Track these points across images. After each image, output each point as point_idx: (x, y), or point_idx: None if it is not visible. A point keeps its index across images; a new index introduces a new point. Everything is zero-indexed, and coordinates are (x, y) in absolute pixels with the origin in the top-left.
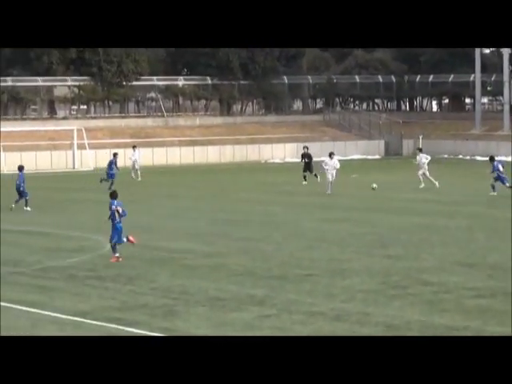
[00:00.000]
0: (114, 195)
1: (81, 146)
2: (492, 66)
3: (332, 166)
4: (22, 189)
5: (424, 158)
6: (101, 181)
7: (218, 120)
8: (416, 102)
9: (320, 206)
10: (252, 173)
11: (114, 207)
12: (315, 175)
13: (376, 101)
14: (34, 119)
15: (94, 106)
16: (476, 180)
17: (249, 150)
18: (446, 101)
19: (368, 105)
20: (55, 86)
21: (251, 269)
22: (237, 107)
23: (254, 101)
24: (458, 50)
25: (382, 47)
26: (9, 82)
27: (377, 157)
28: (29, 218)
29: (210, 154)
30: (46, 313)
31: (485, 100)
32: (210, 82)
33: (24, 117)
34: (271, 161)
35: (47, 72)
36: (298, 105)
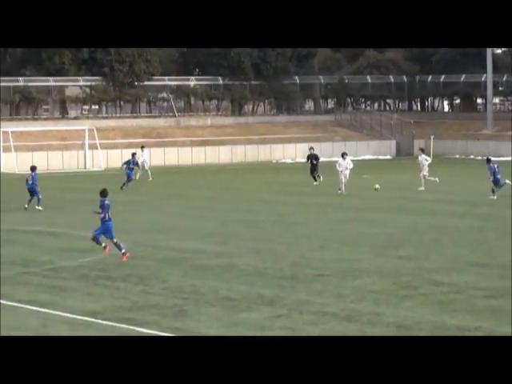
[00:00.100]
0: (104, 193)
1: (92, 146)
2: (504, 66)
3: (345, 166)
4: (34, 189)
5: (424, 160)
6: (121, 187)
7: (230, 120)
8: (427, 102)
9: (331, 206)
10: (263, 173)
11: (107, 202)
12: (317, 176)
13: (387, 101)
14: (45, 119)
15: (106, 106)
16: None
17: (260, 150)
18: (458, 101)
19: (379, 105)
20: (67, 86)
21: (262, 269)
22: (248, 107)
23: (266, 101)
24: (470, 50)
25: (393, 47)
26: (21, 82)
27: (388, 157)
28: (40, 218)
29: (222, 154)
30: (57, 313)
31: (496, 100)
32: (221, 82)
33: (36, 117)
34: (282, 161)
35: (59, 72)
36: (309, 105)
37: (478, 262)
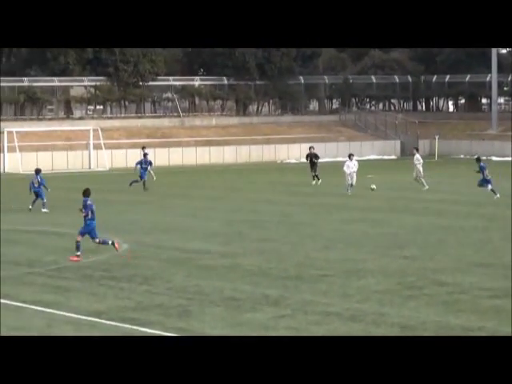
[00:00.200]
0: (87, 193)
1: (97, 146)
2: (509, 66)
3: (352, 167)
4: (40, 191)
5: (416, 160)
6: (130, 184)
7: (234, 120)
8: (432, 102)
9: (336, 206)
10: (268, 173)
11: (89, 202)
12: (314, 176)
13: (392, 101)
14: (50, 119)
15: (111, 106)
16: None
17: (265, 150)
18: (463, 101)
19: (384, 105)
20: (72, 86)
21: (266, 269)
22: (253, 107)
23: (270, 101)
24: (475, 50)
25: (398, 47)
26: (25, 82)
27: (393, 157)
28: (45, 218)
29: (226, 155)
30: (62, 313)
31: (501, 100)
32: (226, 82)
33: (40, 117)
34: (287, 161)
35: (64, 72)
36: (314, 105)
37: (483, 263)
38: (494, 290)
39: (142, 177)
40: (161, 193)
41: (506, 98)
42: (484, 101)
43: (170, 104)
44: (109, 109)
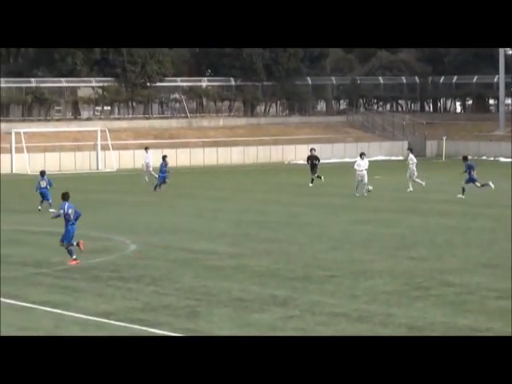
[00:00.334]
0: (65, 197)
1: (104, 147)
2: None
3: (363, 166)
4: (47, 193)
5: (410, 160)
6: (155, 189)
7: (242, 121)
8: (440, 103)
9: (343, 207)
10: (275, 174)
11: (61, 211)
12: (313, 179)
13: (400, 102)
14: (57, 120)
15: (118, 107)
16: (499, 181)
17: (272, 151)
18: (470, 102)
19: (392, 106)
20: (79, 86)
21: (274, 270)
22: (260, 108)
23: (278, 102)
24: (482, 50)
25: (405, 47)
26: (33, 83)
27: (400, 158)
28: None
29: (234, 155)
30: (69, 313)
31: (509, 101)
32: (233, 83)
33: (48, 118)
34: (294, 162)
35: (71, 73)
36: (321, 106)
37: (490, 263)
38: (501, 290)
39: (162, 179)
40: (168, 193)
41: None
42: (491, 102)
43: (177, 105)
44: (116, 110)
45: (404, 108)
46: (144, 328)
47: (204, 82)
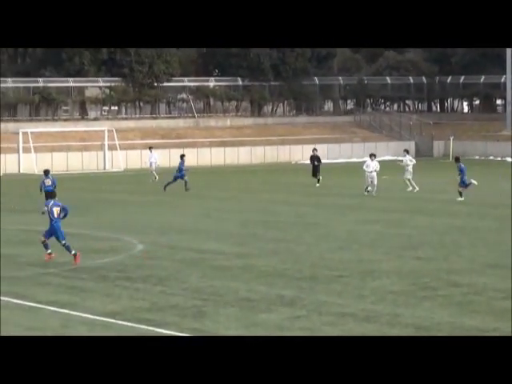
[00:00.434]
0: (51, 195)
1: (112, 147)
2: None
3: (373, 167)
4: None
5: (409, 161)
6: (186, 189)
7: (249, 121)
8: (447, 103)
9: (350, 207)
10: (282, 174)
11: (45, 208)
12: (319, 179)
13: (407, 102)
14: (65, 120)
15: (125, 107)
16: (506, 181)
17: (279, 150)
18: (477, 102)
19: (399, 106)
20: (86, 86)
21: (281, 270)
22: (268, 108)
23: (285, 102)
24: (489, 51)
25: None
26: (40, 82)
27: None
28: None
29: (241, 155)
30: (77, 313)
31: None
32: (240, 83)
33: (55, 118)
34: (302, 162)
35: (79, 73)
36: (328, 106)
37: (497, 264)
38: (508, 291)
39: (175, 178)
40: (175, 193)
41: None
42: (499, 102)
43: (184, 105)
44: (124, 110)
45: (411, 108)
46: (151, 328)
47: (211, 82)
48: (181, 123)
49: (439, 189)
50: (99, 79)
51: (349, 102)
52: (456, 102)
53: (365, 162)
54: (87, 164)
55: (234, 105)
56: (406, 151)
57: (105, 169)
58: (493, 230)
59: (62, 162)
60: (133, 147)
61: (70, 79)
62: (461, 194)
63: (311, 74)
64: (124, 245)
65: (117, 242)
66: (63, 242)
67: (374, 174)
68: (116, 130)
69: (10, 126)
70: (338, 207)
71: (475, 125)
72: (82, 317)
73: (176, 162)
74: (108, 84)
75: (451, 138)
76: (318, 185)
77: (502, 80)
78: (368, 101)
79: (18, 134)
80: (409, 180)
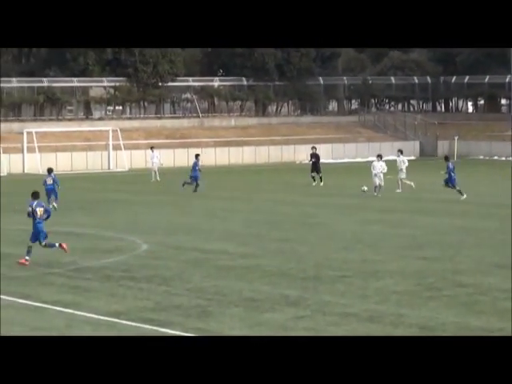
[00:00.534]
0: (35, 196)
1: (116, 147)
2: None
3: (379, 168)
4: (55, 189)
5: (402, 163)
6: (183, 184)
7: (254, 121)
8: (451, 103)
9: (354, 207)
10: (287, 174)
11: (29, 209)
12: (320, 178)
13: (411, 102)
14: (69, 120)
15: (130, 107)
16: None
17: (284, 150)
18: (482, 102)
19: (403, 106)
20: (91, 86)
21: (285, 270)
22: (272, 108)
23: (290, 102)
24: (494, 50)
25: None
26: (45, 82)
27: (412, 158)
28: (63, 218)
29: (245, 155)
30: (81, 313)
31: None
32: (245, 82)
33: (60, 117)
34: (306, 161)
35: (83, 73)
36: (333, 106)
37: (503, 264)
38: None
39: (195, 179)
40: (180, 193)
41: None
42: (503, 102)
43: (189, 105)
44: (128, 109)
45: (416, 108)
46: (155, 328)
47: (216, 82)
48: (185, 123)
49: (443, 189)
50: (104, 79)
51: (353, 101)
52: (461, 102)
53: (371, 162)
54: (92, 164)
55: (238, 105)
56: (400, 151)
57: (109, 169)
58: (498, 230)
59: (67, 162)
60: (137, 147)
61: (75, 79)
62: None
63: (316, 73)
64: (128, 245)
65: (121, 241)
66: (43, 243)
67: (381, 175)
68: (120, 130)
69: (15, 126)
70: (341, 207)
71: (480, 125)
72: (86, 317)
73: (180, 162)
74: (112, 84)
75: (456, 138)
76: (321, 183)
77: (507, 80)
78: (372, 101)
79: (23, 133)
80: (401, 180)
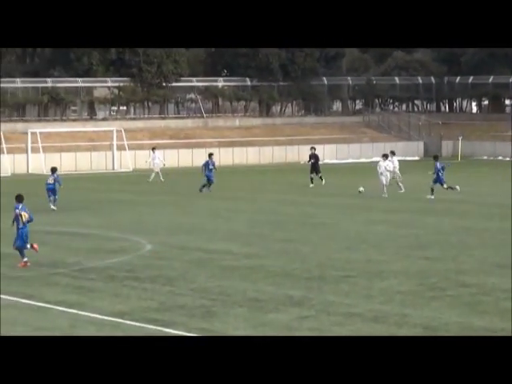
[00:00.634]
0: (19, 199)
1: (120, 147)
2: None
3: (385, 168)
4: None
5: (392, 164)
6: (200, 190)
7: (258, 121)
8: (455, 104)
9: (358, 207)
10: (291, 174)
11: (17, 211)
12: (320, 177)
13: (415, 102)
14: (73, 120)
15: (134, 107)
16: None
17: (288, 151)
18: (486, 102)
19: (407, 106)
20: (95, 86)
21: (289, 270)
22: (276, 108)
23: (294, 102)
24: (498, 51)
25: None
26: (49, 82)
27: (416, 158)
28: (67, 219)
29: (250, 155)
30: (85, 313)
31: None
32: (249, 83)
33: (64, 118)
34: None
35: (87, 73)
36: (337, 106)
37: (506, 264)
38: None
39: (209, 179)
40: (184, 193)
41: None
42: (507, 102)
43: (193, 105)
44: (132, 110)
45: (420, 108)
46: (159, 328)
47: (220, 82)
48: (189, 123)
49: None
50: (108, 79)
51: (357, 102)
52: (465, 102)
53: (376, 162)
54: (96, 164)
55: (242, 105)
56: (392, 153)
57: (113, 169)
58: (501, 231)
59: (71, 162)
60: (141, 147)
61: (79, 79)
62: (432, 191)
63: (320, 74)
64: (132, 245)
65: (125, 242)
66: (15, 246)
67: (387, 173)
68: (125, 130)
69: (19, 126)
70: (345, 207)
71: (484, 125)
72: (90, 317)
73: (184, 163)
74: (117, 84)
75: (460, 138)
76: (323, 182)
77: (511, 80)
78: (377, 101)
79: (27, 134)
80: (393, 179)
